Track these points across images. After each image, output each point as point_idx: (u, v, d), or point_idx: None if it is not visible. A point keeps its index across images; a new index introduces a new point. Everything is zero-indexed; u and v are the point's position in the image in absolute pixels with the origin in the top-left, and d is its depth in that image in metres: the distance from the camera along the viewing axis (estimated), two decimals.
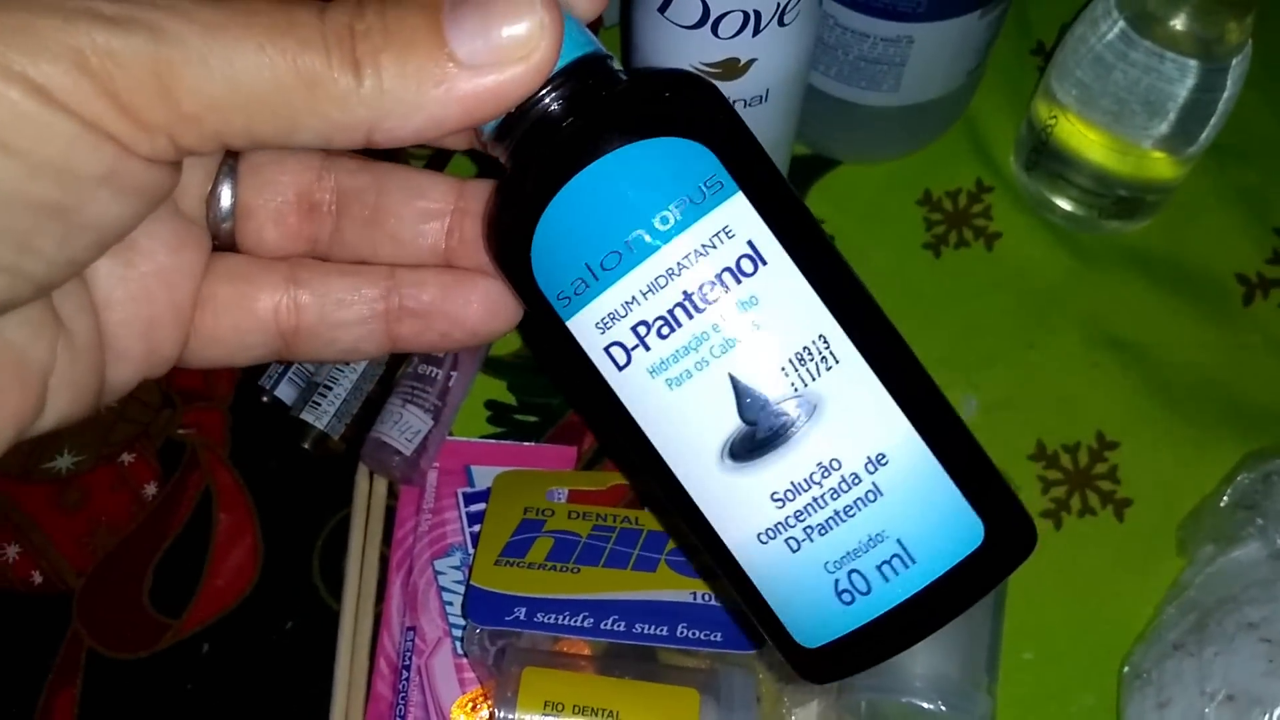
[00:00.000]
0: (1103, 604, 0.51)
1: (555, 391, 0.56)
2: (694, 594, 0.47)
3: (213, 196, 0.29)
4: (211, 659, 0.51)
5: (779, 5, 0.42)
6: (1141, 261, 0.57)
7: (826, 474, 0.27)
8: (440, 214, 0.30)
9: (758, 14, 0.42)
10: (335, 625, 0.51)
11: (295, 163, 0.30)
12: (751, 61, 0.43)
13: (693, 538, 0.29)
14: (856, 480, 0.27)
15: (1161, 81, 0.51)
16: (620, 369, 0.28)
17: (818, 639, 0.29)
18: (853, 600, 0.28)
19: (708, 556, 0.29)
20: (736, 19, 0.42)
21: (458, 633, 0.50)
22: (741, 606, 0.30)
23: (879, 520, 0.27)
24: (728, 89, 0.44)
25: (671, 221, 0.26)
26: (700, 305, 0.26)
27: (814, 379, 0.27)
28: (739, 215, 0.27)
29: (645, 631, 0.46)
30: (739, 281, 0.26)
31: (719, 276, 0.26)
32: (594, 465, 0.54)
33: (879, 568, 0.27)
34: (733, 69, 0.43)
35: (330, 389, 0.52)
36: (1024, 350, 0.56)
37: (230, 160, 0.30)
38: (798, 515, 0.27)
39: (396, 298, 0.30)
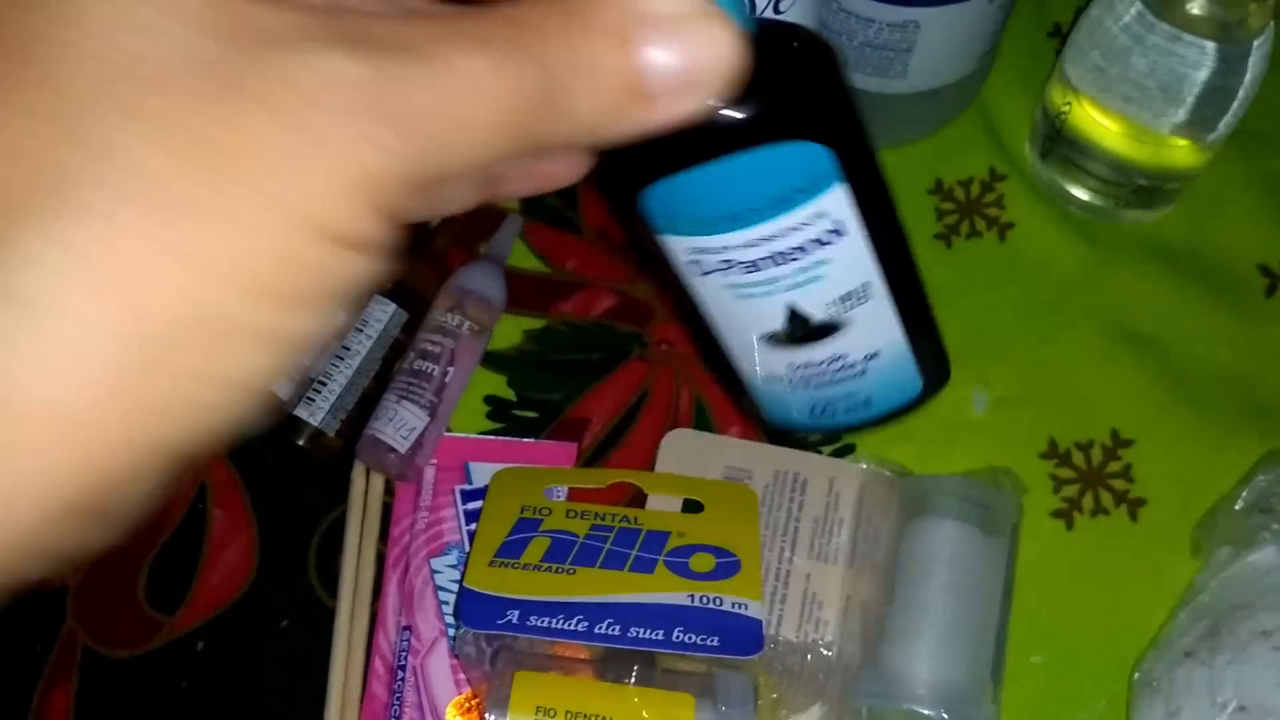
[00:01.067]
0: (1114, 607, 0.50)
1: (556, 387, 0.55)
2: (691, 596, 0.46)
3: None
4: (206, 657, 0.51)
5: None
6: (1160, 252, 0.56)
7: (834, 362, 0.36)
8: None
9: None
10: (331, 624, 0.50)
11: None
12: None
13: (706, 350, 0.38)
14: (853, 367, 0.37)
15: (1180, 66, 0.49)
16: (701, 276, 0.33)
17: (784, 425, 0.40)
18: (820, 417, 0.39)
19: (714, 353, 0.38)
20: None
21: (454, 632, 0.49)
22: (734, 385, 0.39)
23: (859, 386, 0.38)
24: None
25: (780, 205, 0.30)
26: (784, 261, 0.32)
27: (849, 311, 0.34)
28: (837, 202, 0.31)
29: (641, 636, 0.45)
30: (821, 247, 0.32)
31: (806, 244, 0.32)
32: (595, 462, 0.53)
33: (847, 408, 0.39)
34: None
35: (325, 384, 0.51)
36: (1037, 344, 0.54)
37: None
38: (804, 378, 0.37)
39: None
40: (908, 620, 0.47)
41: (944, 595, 0.46)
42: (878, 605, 0.48)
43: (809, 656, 0.48)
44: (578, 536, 0.48)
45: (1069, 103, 0.53)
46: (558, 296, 0.56)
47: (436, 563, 0.51)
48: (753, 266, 0.32)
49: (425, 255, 0.55)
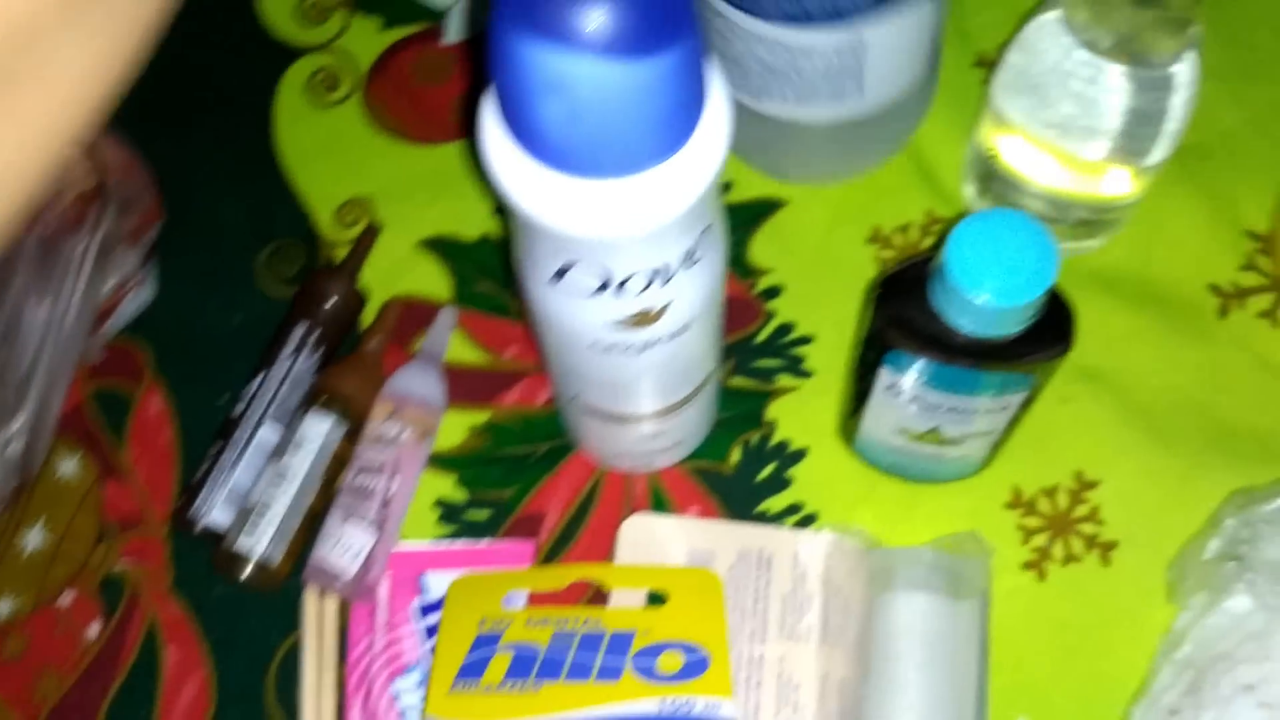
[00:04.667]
0: (1095, 657, 0.48)
1: (508, 482, 0.53)
2: (661, 702, 0.45)
3: None
4: None
5: (687, 252, 0.36)
6: (1107, 283, 0.54)
7: (936, 455, 0.48)
8: None
9: (665, 269, 0.36)
10: None
11: None
12: (666, 306, 0.38)
13: None
14: (942, 459, 0.49)
15: (1105, 94, 0.48)
16: (904, 397, 0.45)
17: (864, 455, 0.52)
18: (890, 468, 0.51)
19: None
20: (642, 279, 0.36)
21: None
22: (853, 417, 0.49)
23: (938, 466, 0.50)
24: (643, 335, 0.39)
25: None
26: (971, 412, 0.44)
27: (967, 439, 0.47)
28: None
29: None
30: (995, 414, 0.45)
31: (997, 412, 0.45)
32: (554, 557, 0.52)
33: (914, 473, 0.51)
34: (646, 319, 0.38)
35: (265, 512, 0.50)
36: None
37: None
38: (908, 451, 0.48)
39: None
40: (886, 698, 0.45)
41: (920, 671, 0.45)
42: (854, 683, 0.47)
43: None
44: (540, 647, 0.47)
45: (1000, 138, 0.52)
46: (501, 387, 0.55)
47: (400, 683, 0.49)
48: (941, 410, 0.44)
49: (359, 359, 0.54)
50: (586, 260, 0.35)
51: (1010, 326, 0.39)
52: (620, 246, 0.35)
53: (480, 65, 0.31)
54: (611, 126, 0.31)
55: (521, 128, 0.32)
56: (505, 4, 0.30)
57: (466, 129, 0.59)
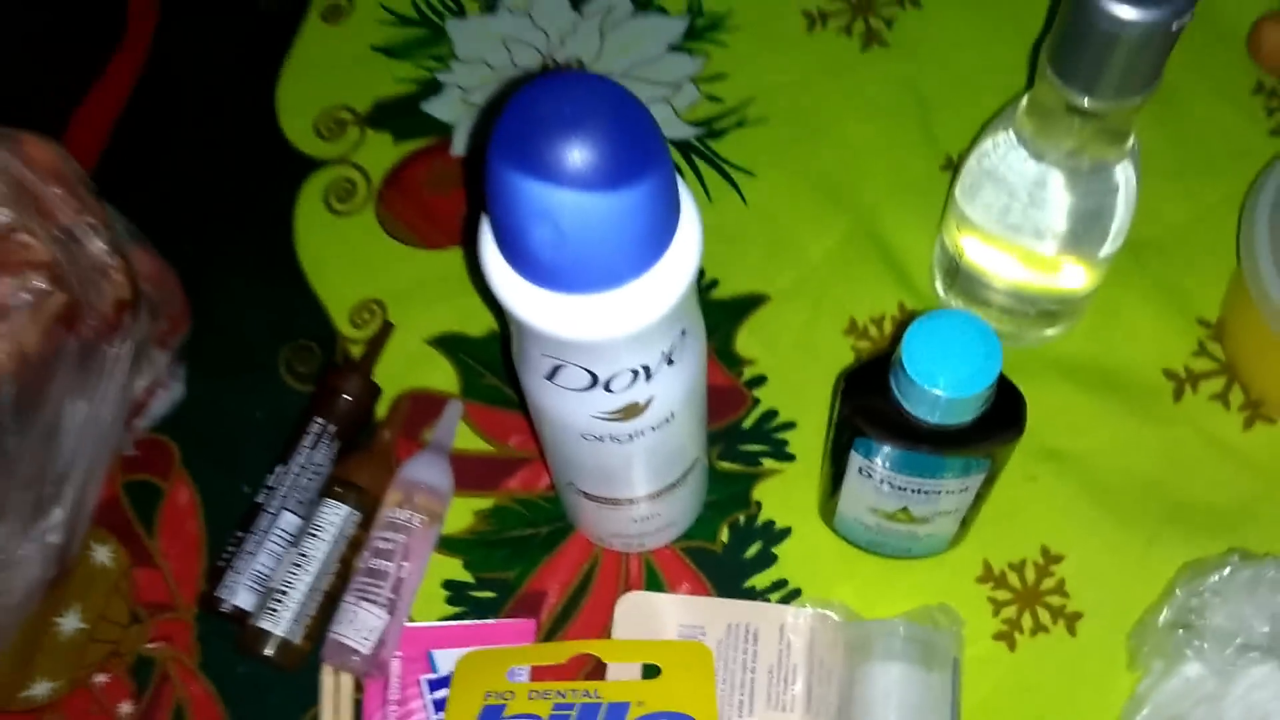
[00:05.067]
0: None
1: (511, 564, 0.57)
2: None
3: None
4: None
5: (664, 353, 0.41)
6: (1068, 368, 0.58)
7: (908, 533, 0.52)
8: None
9: (646, 368, 0.41)
10: None
11: None
12: (650, 399, 0.42)
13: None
14: (916, 536, 0.52)
15: (1056, 196, 0.52)
16: (875, 478, 0.49)
17: (842, 534, 0.56)
18: (868, 545, 0.55)
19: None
20: (626, 377, 0.41)
21: None
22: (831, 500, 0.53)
23: (911, 543, 0.53)
24: (632, 425, 0.43)
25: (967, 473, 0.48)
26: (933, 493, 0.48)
27: (936, 517, 0.50)
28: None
29: None
30: (955, 494, 0.49)
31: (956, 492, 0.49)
32: (554, 634, 0.55)
33: (890, 549, 0.54)
34: (634, 411, 0.42)
35: (286, 593, 0.53)
36: None
37: None
38: (881, 528, 0.52)
39: None
40: None
41: None
42: None
43: None
44: (541, 719, 0.50)
45: (964, 237, 0.56)
46: (504, 474, 0.59)
47: None
48: (909, 491, 0.48)
49: (373, 450, 0.58)
50: (576, 360, 0.40)
51: (965, 415, 0.43)
52: (606, 349, 0.39)
53: (481, 179, 0.36)
54: (594, 249, 0.35)
55: (515, 252, 0.36)
56: (498, 145, 0.34)
57: (470, 238, 0.64)
